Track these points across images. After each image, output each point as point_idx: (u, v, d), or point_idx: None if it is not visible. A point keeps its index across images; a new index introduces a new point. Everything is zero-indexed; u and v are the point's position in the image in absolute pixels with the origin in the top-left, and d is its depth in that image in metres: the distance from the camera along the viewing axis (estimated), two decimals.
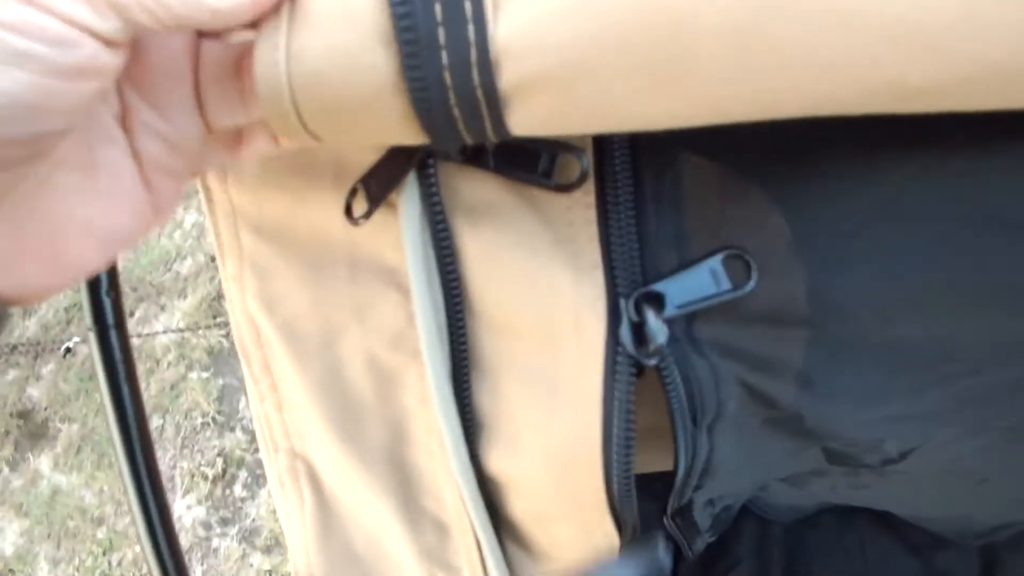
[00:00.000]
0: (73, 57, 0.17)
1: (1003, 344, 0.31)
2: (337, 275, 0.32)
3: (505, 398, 0.32)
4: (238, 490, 1.52)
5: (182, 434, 1.57)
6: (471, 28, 0.19)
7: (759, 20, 0.18)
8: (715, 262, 0.29)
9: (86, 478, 1.61)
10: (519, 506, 0.35)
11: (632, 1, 0.18)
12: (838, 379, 0.31)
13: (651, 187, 0.29)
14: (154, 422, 1.59)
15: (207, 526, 1.52)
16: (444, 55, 0.19)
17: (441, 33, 0.19)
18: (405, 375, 0.33)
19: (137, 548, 1.54)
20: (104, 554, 1.57)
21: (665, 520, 0.39)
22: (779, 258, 0.29)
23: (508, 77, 0.19)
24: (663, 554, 0.28)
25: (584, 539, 0.35)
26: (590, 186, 0.29)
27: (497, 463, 0.33)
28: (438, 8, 0.19)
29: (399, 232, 0.30)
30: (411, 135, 0.21)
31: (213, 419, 1.57)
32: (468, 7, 0.19)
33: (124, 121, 0.23)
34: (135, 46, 0.21)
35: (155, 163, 0.23)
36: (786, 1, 0.18)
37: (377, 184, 0.29)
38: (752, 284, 0.29)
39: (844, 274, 0.29)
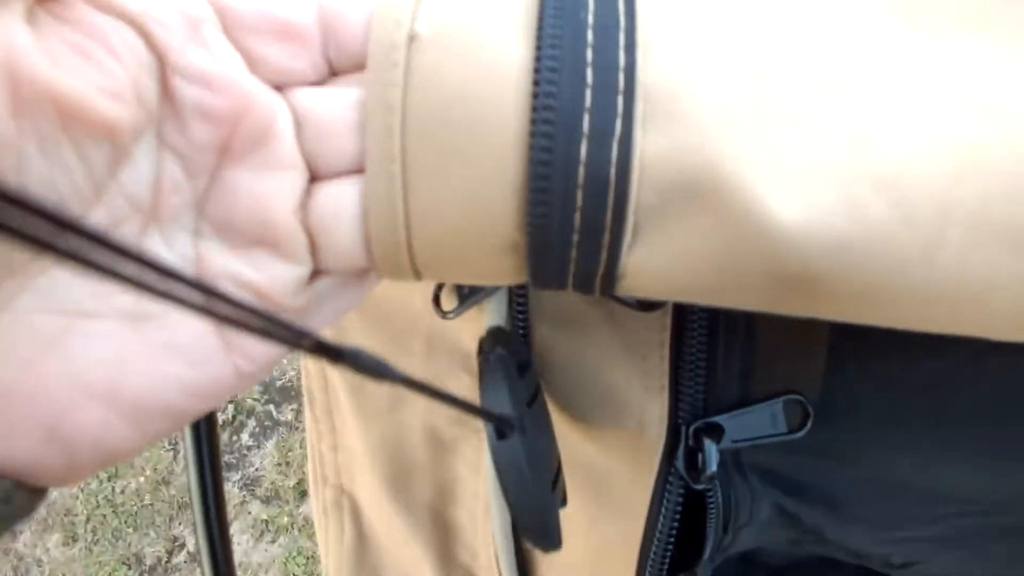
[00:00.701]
0: None
1: (1008, 498, 0.33)
2: (413, 349, 0.34)
3: None
4: (245, 438, 1.56)
5: None
6: (605, 253, 0.18)
7: None
8: (776, 406, 0.30)
9: None
10: None
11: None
12: (860, 507, 0.33)
13: (725, 320, 0.30)
14: None
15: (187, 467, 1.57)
16: (572, 269, 0.19)
17: (574, 253, 0.18)
18: (463, 446, 0.35)
19: (141, 479, 1.59)
20: (109, 480, 1.62)
21: None
22: (841, 406, 0.30)
23: (628, 279, 0.19)
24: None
25: None
26: (668, 309, 0.30)
27: None
28: (576, 237, 0.18)
29: (480, 323, 0.31)
30: (516, 279, 0.20)
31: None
32: (604, 254, 0.18)
33: (198, 266, 0.19)
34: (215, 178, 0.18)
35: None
36: None
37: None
38: (807, 430, 0.30)
39: (897, 433, 0.30)
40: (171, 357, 0.17)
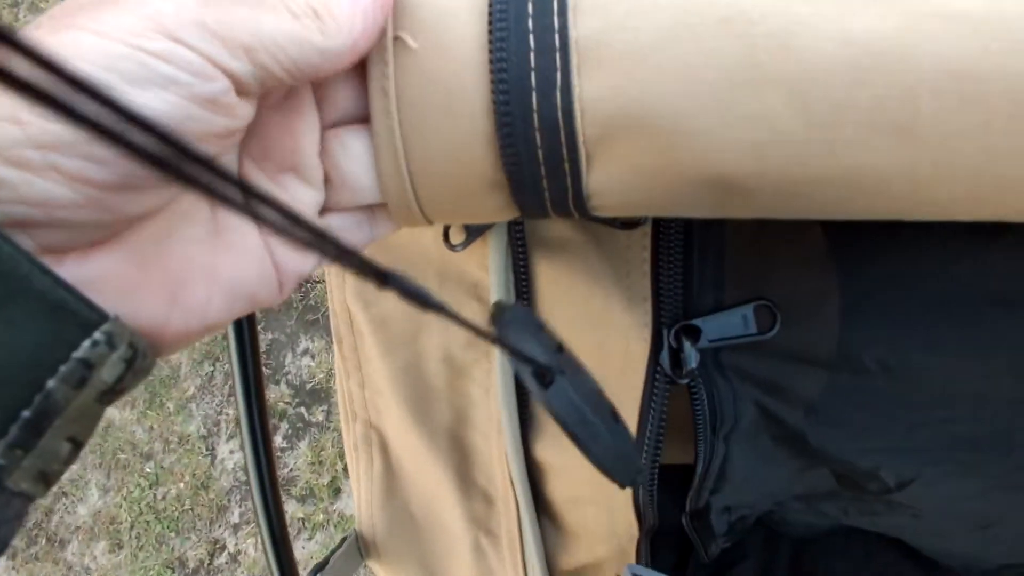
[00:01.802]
0: (209, 88, 0.19)
1: (993, 398, 0.36)
2: (427, 282, 0.38)
3: None
4: (278, 440, 1.61)
5: (230, 382, 1.66)
6: (569, 179, 0.23)
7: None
8: (747, 309, 0.34)
9: (138, 415, 1.71)
10: (558, 489, 0.42)
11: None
12: (840, 412, 0.37)
13: (699, 235, 0.35)
14: (204, 368, 1.69)
15: (247, 471, 1.62)
16: (547, 196, 0.23)
17: (545, 183, 0.23)
18: (475, 369, 0.39)
19: (181, 484, 1.65)
20: (151, 487, 1.67)
21: (684, 520, 0.45)
22: (802, 311, 0.34)
23: (593, 199, 0.24)
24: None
25: (608, 523, 0.42)
26: (647, 229, 0.34)
27: (543, 451, 0.40)
28: (543, 170, 0.22)
29: (485, 255, 0.36)
30: (508, 214, 0.25)
31: None
32: (568, 180, 0.22)
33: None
34: (256, 120, 0.22)
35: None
36: None
37: None
38: (775, 332, 0.34)
39: (864, 330, 0.34)
40: (244, 259, 0.23)
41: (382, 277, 0.17)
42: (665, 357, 0.35)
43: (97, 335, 0.17)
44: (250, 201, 0.14)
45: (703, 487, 0.42)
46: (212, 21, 0.19)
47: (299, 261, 0.24)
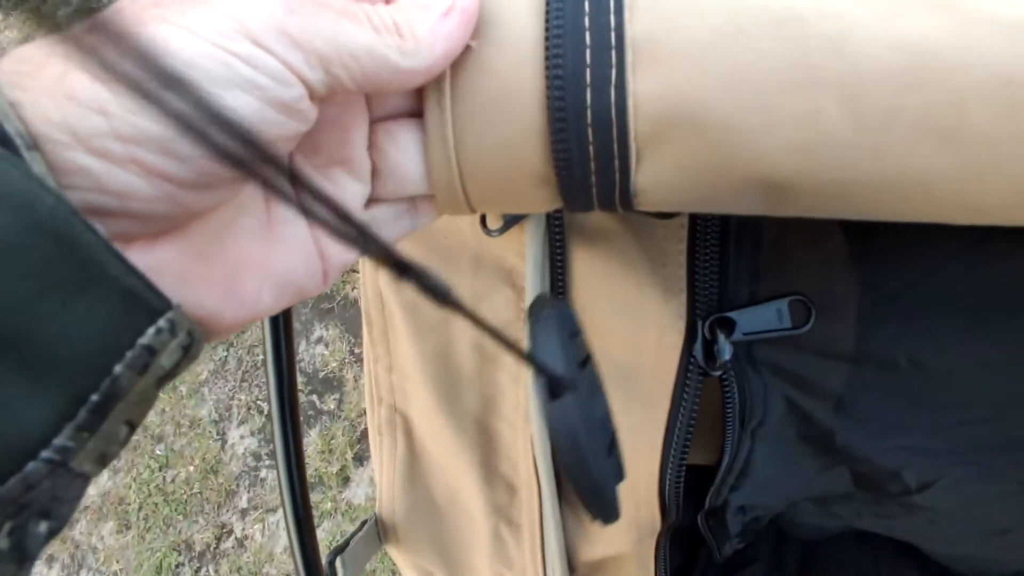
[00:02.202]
0: (287, 94, 0.19)
1: (1020, 402, 0.36)
2: (462, 268, 0.38)
3: None
4: None
5: (243, 368, 1.67)
6: (618, 176, 0.23)
7: None
8: (782, 303, 0.34)
9: None
10: None
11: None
12: (867, 407, 0.37)
13: (735, 229, 0.35)
14: (218, 352, 1.69)
15: (257, 456, 1.62)
16: (594, 192, 0.23)
17: (593, 179, 0.23)
18: (505, 357, 0.40)
19: (191, 468, 1.66)
20: (160, 469, 1.68)
21: (699, 520, 0.45)
22: (836, 305, 0.34)
23: (640, 195, 0.24)
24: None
25: (632, 516, 0.42)
26: (684, 220, 0.35)
27: None
28: (592, 166, 0.22)
29: (521, 241, 0.36)
30: (552, 206, 0.26)
31: None
32: (617, 177, 0.23)
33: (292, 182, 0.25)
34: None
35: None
36: None
37: None
38: (809, 326, 0.34)
39: (888, 327, 0.34)
40: (293, 251, 0.23)
41: (403, 267, 0.17)
42: (699, 349, 0.35)
43: (161, 322, 0.18)
44: (304, 198, 0.15)
45: (725, 483, 0.42)
46: (294, 28, 0.19)
47: (343, 252, 0.25)
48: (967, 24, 0.20)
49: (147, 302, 0.18)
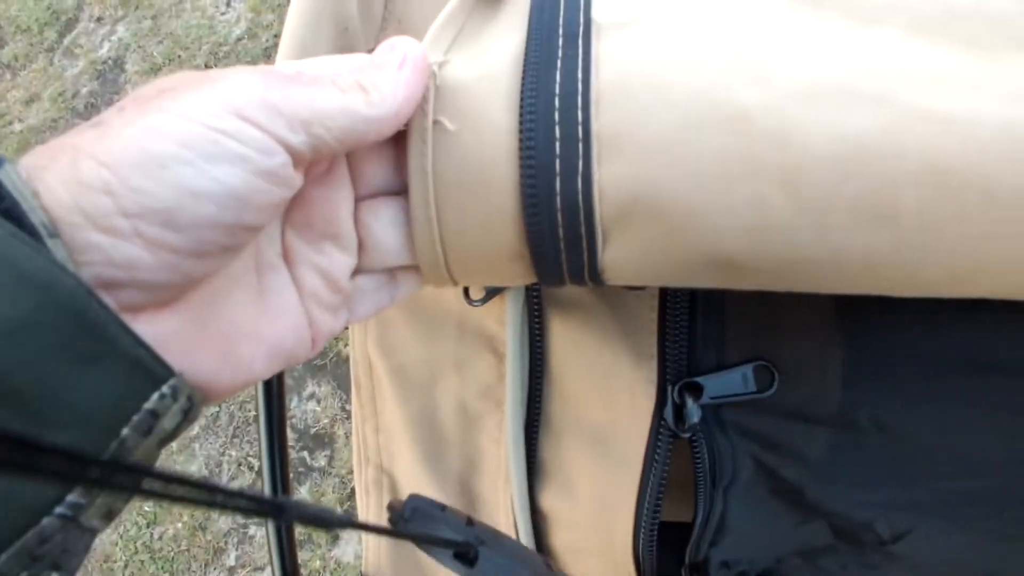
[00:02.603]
0: (271, 163, 0.21)
1: (984, 458, 0.37)
2: (446, 334, 0.40)
3: (565, 450, 0.40)
4: None
5: (234, 423, 1.67)
6: (586, 256, 0.25)
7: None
8: (747, 369, 0.36)
9: None
10: (560, 538, 0.43)
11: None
12: (836, 467, 0.39)
13: (703, 297, 0.37)
14: (209, 408, 1.70)
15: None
16: (564, 269, 0.26)
17: (563, 257, 0.25)
18: (487, 420, 0.41)
19: (179, 525, 1.65)
20: (148, 526, 1.67)
21: (683, 572, 0.46)
22: (802, 371, 0.36)
23: (607, 272, 0.26)
24: None
25: (611, 574, 0.43)
26: (655, 291, 0.37)
27: (550, 501, 0.41)
28: (562, 245, 0.25)
29: (502, 310, 0.38)
30: (528, 280, 0.28)
31: None
32: (585, 256, 0.25)
33: (285, 256, 0.26)
34: (299, 194, 0.25)
35: (313, 295, 0.26)
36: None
37: None
38: (773, 391, 0.36)
39: (856, 390, 0.36)
40: (283, 319, 0.25)
41: (278, 508, 0.18)
42: (669, 412, 0.37)
43: (164, 389, 0.20)
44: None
45: (703, 539, 0.43)
46: (276, 99, 0.21)
47: (332, 321, 0.27)
48: (901, 119, 0.22)
49: (152, 371, 0.20)
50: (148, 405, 0.19)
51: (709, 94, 0.23)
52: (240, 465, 1.64)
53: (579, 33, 0.25)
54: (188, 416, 0.21)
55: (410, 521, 0.28)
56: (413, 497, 0.28)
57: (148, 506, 1.68)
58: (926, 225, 0.23)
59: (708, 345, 0.37)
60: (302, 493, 1.59)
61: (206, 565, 1.62)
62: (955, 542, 0.43)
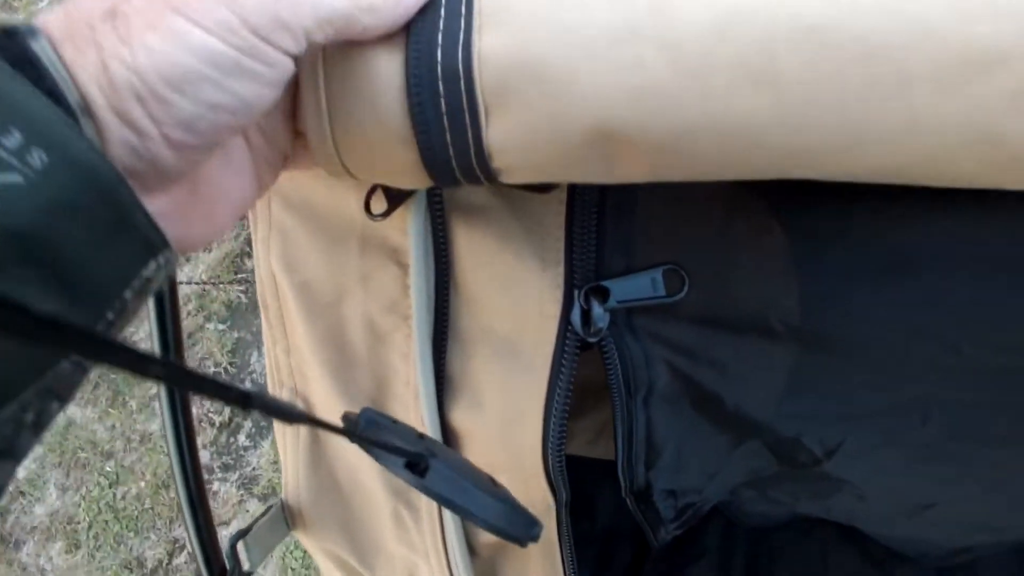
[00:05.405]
0: (281, 75, 0.24)
1: (914, 363, 0.36)
2: (349, 247, 0.39)
3: (473, 362, 0.38)
4: (242, 439, 1.60)
5: None
6: (470, 133, 0.26)
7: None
8: (656, 272, 0.35)
9: (100, 413, 1.69)
10: (473, 456, 0.42)
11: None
12: (750, 372, 0.38)
13: (612, 199, 0.35)
14: None
15: (209, 470, 1.60)
16: (451, 152, 0.26)
17: (448, 137, 0.26)
18: (394, 335, 0.40)
19: (142, 483, 1.63)
20: (111, 487, 1.65)
21: (627, 500, 0.45)
22: (713, 275, 0.35)
23: (497, 166, 0.27)
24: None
25: (524, 492, 0.42)
26: (562, 194, 0.35)
27: (459, 417, 0.40)
28: (446, 121, 0.25)
29: (405, 220, 0.36)
30: (420, 176, 0.28)
31: (225, 369, 1.65)
32: (469, 133, 0.26)
33: None
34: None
35: (261, 152, 0.29)
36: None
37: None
38: (683, 295, 0.35)
39: (765, 293, 0.35)
40: (241, 176, 0.29)
41: (245, 398, 0.19)
42: (576, 316, 0.35)
43: (160, 258, 0.22)
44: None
45: (634, 457, 0.42)
46: (285, 11, 0.23)
47: (271, 175, 0.30)
48: None
49: (155, 244, 0.22)
50: (147, 273, 0.22)
51: None
52: (201, 422, 1.63)
53: None
54: (167, 274, 0.24)
55: (364, 431, 0.28)
56: (367, 409, 0.30)
57: (109, 466, 1.66)
58: (805, 86, 0.23)
59: (617, 249, 0.36)
60: (264, 447, 1.58)
61: (170, 522, 1.61)
62: (885, 459, 0.42)
